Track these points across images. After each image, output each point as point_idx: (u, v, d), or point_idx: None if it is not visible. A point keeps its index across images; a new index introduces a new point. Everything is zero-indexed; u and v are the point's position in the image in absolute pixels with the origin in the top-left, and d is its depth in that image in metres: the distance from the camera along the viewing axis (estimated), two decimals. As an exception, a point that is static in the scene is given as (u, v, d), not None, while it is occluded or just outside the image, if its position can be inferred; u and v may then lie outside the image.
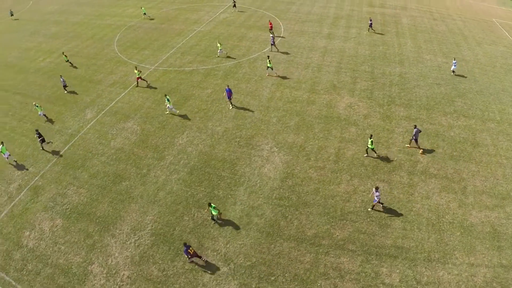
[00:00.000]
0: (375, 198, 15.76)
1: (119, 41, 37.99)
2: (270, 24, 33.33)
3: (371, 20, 33.87)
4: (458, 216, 16.11)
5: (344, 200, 17.19)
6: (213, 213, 16.26)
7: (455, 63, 26.04)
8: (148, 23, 41.90)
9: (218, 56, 30.89)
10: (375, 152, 19.09)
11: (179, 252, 16.19)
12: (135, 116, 25.38)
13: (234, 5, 41.66)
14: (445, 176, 18.07)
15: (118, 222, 17.99)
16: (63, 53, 34.76)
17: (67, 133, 24.59)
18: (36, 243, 17.43)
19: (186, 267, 15.58)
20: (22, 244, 17.44)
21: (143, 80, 28.21)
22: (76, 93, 29.27)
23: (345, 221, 16.27)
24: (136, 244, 16.82)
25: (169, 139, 22.67)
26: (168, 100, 23.48)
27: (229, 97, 23.25)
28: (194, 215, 17.73)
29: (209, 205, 16.24)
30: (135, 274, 15.63)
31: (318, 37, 33.63)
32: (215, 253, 15.63)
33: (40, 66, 35.74)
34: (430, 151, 19.67)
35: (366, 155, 19.46)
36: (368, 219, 16.29)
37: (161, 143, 22.44)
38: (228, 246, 15.83)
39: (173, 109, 23.89)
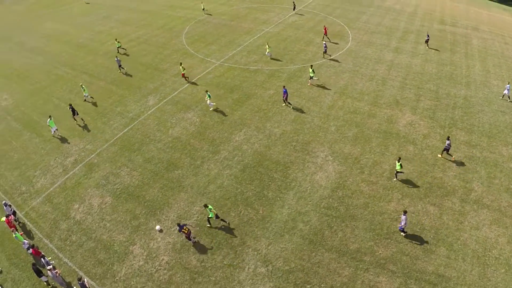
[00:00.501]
0: (401, 223, 21.22)
1: (187, 34, 52.66)
2: (325, 29, 45.54)
3: (428, 36, 45.15)
4: (505, 253, 21.07)
5: (392, 219, 23.19)
6: (210, 215, 22.54)
7: (508, 87, 33.90)
8: (217, 18, 56.42)
9: (269, 58, 42.81)
10: (396, 176, 25.85)
11: (220, 246, 22.66)
12: (196, 108, 35.53)
13: (294, 8, 56.64)
14: (498, 208, 23.95)
15: (165, 208, 26.93)
16: (116, 39, 49.79)
17: (128, 117, 36.08)
18: (83, 216, 27.78)
19: (225, 262, 21.80)
20: (70, 215, 28.02)
21: (186, 77, 39.04)
22: (141, 79, 41.36)
23: (389, 240, 22.03)
24: (179, 233, 25.34)
25: (226, 135, 31.54)
26: (209, 96, 33.16)
27: (285, 98, 32.36)
28: (240, 212, 24.67)
29: (206, 206, 22.44)
30: (174, 260, 23.44)
31: (386, 50, 44.90)
32: (255, 253, 22.05)
33: (110, 49, 52.06)
34: (486, 181, 26.00)
35: (395, 179, 26.11)
36: (413, 242, 21.80)
37: (218, 138, 31.33)
38: (269, 247, 22.31)
39: (211, 104, 33.81)
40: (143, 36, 53.35)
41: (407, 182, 25.89)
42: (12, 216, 25.40)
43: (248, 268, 21.22)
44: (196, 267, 21.69)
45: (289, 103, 33.75)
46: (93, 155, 31.28)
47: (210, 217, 23.08)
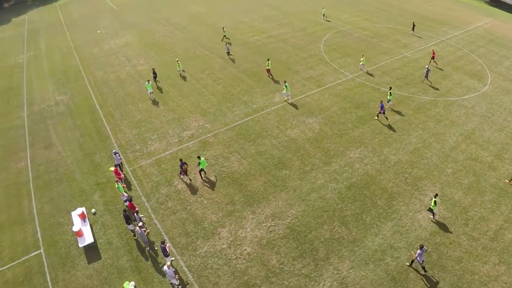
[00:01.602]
0: (417, 257, 22.29)
1: (326, 41, 56.06)
2: (433, 53, 48.16)
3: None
4: None
5: (481, 283, 23.34)
6: (201, 166, 29.11)
7: None
8: (358, 33, 59.23)
9: (360, 69, 46.20)
10: (433, 215, 26.81)
11: (304, 254, 24.55)
12: (318, 115, 38.08)
13: (413, 29, 57.82)
14: None
15: (263, 203, 29.67)
16: (223, 28, 57.38)
17: (251, 107, 40.03)
18: (184, 187, 31.90)
19: (303, 271, 23.55)
20: (172, 183, 32.32)
21: (270, 74, 44.68)
22: (271, 75, 45.72)
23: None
24: (270, 229, 27.25)
25: (341, 149, 33.66)
26: (286, 86, 38.23)
27: (382, 112, 35.41)
28: (334, 228, 26.31)
29: (199, 157, 28.96)
30: (255, 254, 25.71)
31: (525, 102, 40.80)
32: (335, 272, 23.57)
33: (248, 40, 58.05)
34: None
35: (431, 217, 27.28)
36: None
37: (332, 149, 33.62)
38: (350, 271, 23.64)
39: (289, 96, 39.19)
40: (283, 35, 58.73)
41: (510, 249, 25.32)
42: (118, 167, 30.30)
43: (323, 284, 22.98)
44: (274, 267, 23.89)
45: (386, 117, 36.74)
46: (209, 134, 35.80)
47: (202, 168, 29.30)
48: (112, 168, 30.46)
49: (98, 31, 67.16)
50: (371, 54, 50.70)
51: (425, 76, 44.23)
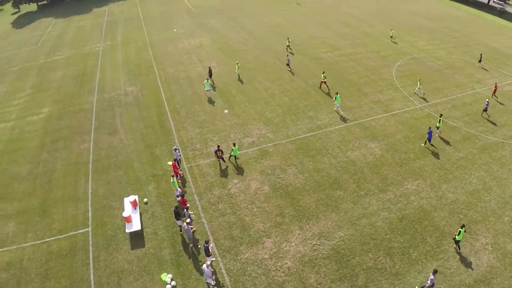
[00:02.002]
0: (428, 282, 22.60)
1: (399, 67, 56.19)
2: (495, 87, 47.83)
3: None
4: None
5: None
6: (233, 153, 33.39)
7: None
8: (433, 62, 58.84)
9: (415, 93, 47.30)
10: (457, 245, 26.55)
11: (343, 278, 24.98)
12: (382, 141, 38.39)
13: (480, 61, 57.75)
14: None
15: (312, 220, 30.31)
16: (288, 38, 60.22)
17: (315, 123, 40.90)
18: (237, 192, 33.31)
19: None
20: (226, 186, 33.77)
21: (324, 84, 47.08)
22: (340, 94, 46.23)
23: None
24: (314, 248, 27.76)
25: (399, 178, 33.77)
26: (337, 98, 41.11)
27: (428, 139, 36.72)
28: (378, 258, 26.49)
29: (234, 145, 32.82)
30: (295, 269, 26.12)
31: None
32: None
33: (320, 56, 59.10)
34: None
35: (455, 246, 27.18)
36: None
37: (390, 177, 33.80)
38: None
39: (338, 108, 41.56)
40: (355, 55, 59.66)
41: None
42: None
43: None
44: (311, 285, 24.62)
45: (431, 144, 37.69)
46: (270, 144, 37.43)
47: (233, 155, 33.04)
48: (170, 163, 32.88)
49: (175, 30, 71.37)
50: (442, 86, 50.53)
51: (484, 110, 43.85)
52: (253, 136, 38.19)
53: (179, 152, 33.76)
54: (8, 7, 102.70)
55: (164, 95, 46.68)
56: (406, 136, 39.01)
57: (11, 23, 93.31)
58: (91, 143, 38.83)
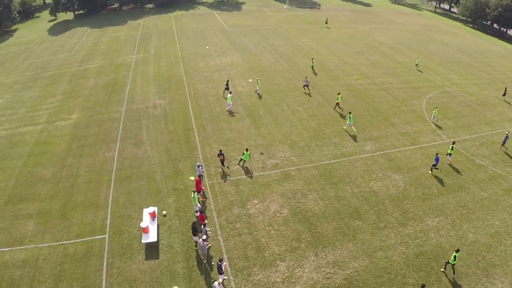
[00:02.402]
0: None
1: (430, 99, 55.96)
2: None
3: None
4: None
5: None
6: (243, 158, 36.08)
7: None
8: (464, 96, 58.41)
9: (432, 121, 48.31)
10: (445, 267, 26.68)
11: None
12: (406, 174, 38.14)
13: (504, 94, 58.28)
14: None
15: (328, 248, 29.89)
16: (312, 59, 63.01)
17: (341, 150, 41.00)
18: (256, 212, 33.51)
19: None
20: (246, 206, 33.96)
21: (338, 107, 48.16)
22: (368, 122, 46.90)
23: None
24: (327, 276, 27.21)
25: (420, 214, 33.30)
26: (350, 118, 42.70)
27: (435, 165, 37.34)
28: None
29: (246, 150, 35.33)
30: None
31: None
32: None
33: (351, 82, 59.16)
34: None
35: (443, 269, 27.40)
36: None
37: (411, 212, 33.40)
38: None
39: (351, 126, 42.81)
40: (386, 84, 59.79)
41: None
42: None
43: None
44: (318, 316, 24.47)
45: (437, 168, 38.53)
46: (293, 168, 37.80)
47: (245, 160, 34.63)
48: (193, 178, 33.54)
49: (207, 47, 72.86)
50: (472, 122, 50.23)
51: (503, 143, 44.27)
52: (277, 158, 38.57)
53: (202, 168, 34.20)
54: (46, 14, 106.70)
55: (192, 111, 47.60)
56: (429, 169, 38.49)
57: (47, 30, 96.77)
58: (116, 152, 39.81)
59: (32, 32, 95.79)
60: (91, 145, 41.21)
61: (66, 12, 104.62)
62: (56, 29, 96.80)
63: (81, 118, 47.01)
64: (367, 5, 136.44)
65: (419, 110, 51.47)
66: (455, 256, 26.74)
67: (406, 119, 48.50)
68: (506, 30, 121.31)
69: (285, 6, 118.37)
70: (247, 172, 36.67)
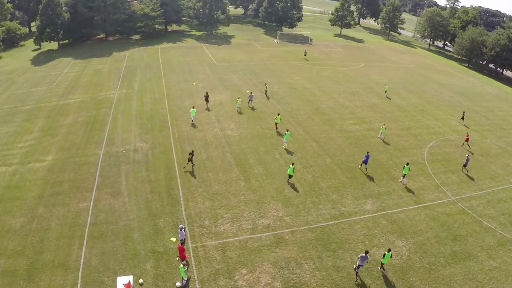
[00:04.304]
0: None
1: (431, 149, 53.88)
2: (467, 136, 52.39)
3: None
4: None
5: None
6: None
7: None
8: (466, 146, 56.03)
9: (379, 138, 50.55)
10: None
11: None
12: (410, 239, 35.24)
13: (462, 118, 61.93)
14: None
15: None
16: (265, 84, 65.32)
17: (339, 210, 37.94)
18: (244, 285, 29.17)
19: None
20: (233, 276, 29.62)
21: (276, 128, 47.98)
22: (368, 176, 44.38)
23: None
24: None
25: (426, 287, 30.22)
26: (286, 134, 45.33)
27: (365, 161, 40.30)
28: None
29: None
30: None
31: None
32: None
33: (347, 128, 56.77)
34: None
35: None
36: None
37: (416, 286, 30.42)
38: None
39: (284, 142, 46.13)
40: (385, 130, 56.78)
41: None
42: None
43: None
44: None
45: (366, 168, 42.89)
46: (287, 230, 34.75)
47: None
48: (174, 239, 31.02)
49: (194, 83, 70.46)
50: (477, 176, 47.99)
51: (464, 165, 45.64)
52: (269, 217, 35.57)
53: (184, 231, 30.96)
54: (30, 43, 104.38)
55: (175, 157, 44.70)
56: (437, 235, 36.30)
57: (31, 60, 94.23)
58: (91, 202, 36.71)
59: (16, 61, 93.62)
60: (65, 192, 38.13)
61: (50, 42, 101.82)
62: (40, 59, 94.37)
63: (57, 160, 43.92)
64: (360, 41, 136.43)
65: (421, 162, 49.19)
66: (385, 254, 29.10)
67: (408, 172, 45.60)
68: (502, 71, 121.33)
69: (275, 41, 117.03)
70: (237, 234, 33.67)
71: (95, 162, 43.80)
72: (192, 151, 41.72)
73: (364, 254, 28.92)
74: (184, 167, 42.44)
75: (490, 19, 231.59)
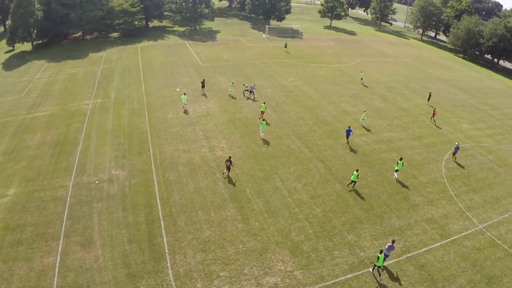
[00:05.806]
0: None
1: (447, 163, 47.99)
2: (434, 112, 56.32)
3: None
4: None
5: None
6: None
7: None
8: (482, 155, 51.03)
9: (361, 125, 49.95)
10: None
11: None
12: (445, 291, 28.34)
13: (428, 99, 64.35)
14: None
15: None
16: (244, 84, 62.36)
17: (357, 256, 31.32)
18: None
19: None
20: None
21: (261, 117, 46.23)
22: (385, 204, 38.07)
23: None
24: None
25: None
26: (262, 124, 45.60)
27: (347, 136, 42.00)
28: None
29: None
30: None
31: None
32: None
33: (354, 141, 49.49)
34: None
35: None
36: None
37: None
38: None
39: (262, 132, 46.19)
40: (396, 141, 51.11)
41: None
42: None
43: None
44: None
45: (347, 142, 44.79)
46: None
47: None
48: None
49: (177, 89, 62.58)
50: (500, 193, 42.30)
51: (453, 153, 45.63)
52: (276, 273, 28.81)
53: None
54: (3, 44, 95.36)
55: (157, 189, 37.70)
56: (471, 280, 30.33)
57: (2, 63, 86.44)
58: (58, 257, 29.92)
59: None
60: (27, 241, 31.28)
61: (22, 43, 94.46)
62: (12, 63, 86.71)
63: (19, 196, 36.96)
64: (352, 33, 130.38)
65: (440, 181, 43.12)
66: (378, 257, 27.33)
67: (428, 195, 39.85)
68: (498, 61, 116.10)
69: (264, 35, 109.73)
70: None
71: (63, 197, 36.88)
72: (230, 157, 39.10)
73: (391, 244, 28.44)
74: (223, 173, 40.50)
75: (475, 5, 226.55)
